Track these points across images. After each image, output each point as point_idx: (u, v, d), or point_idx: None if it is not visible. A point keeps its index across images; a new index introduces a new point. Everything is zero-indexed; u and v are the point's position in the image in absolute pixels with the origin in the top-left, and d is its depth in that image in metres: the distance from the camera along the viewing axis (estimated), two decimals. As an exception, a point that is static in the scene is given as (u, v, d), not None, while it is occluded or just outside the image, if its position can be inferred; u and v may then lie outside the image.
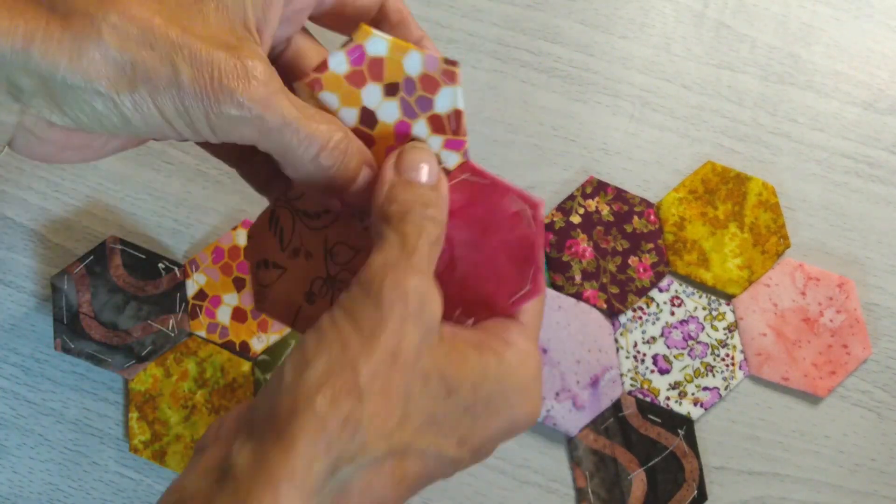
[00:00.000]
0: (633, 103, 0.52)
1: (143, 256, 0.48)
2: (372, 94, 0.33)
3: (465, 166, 0.35)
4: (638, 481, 0.47)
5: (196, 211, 0.51)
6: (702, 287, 0.49)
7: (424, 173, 0.31)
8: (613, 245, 0.49)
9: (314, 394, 0.26)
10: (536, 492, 0.47)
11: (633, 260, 0.49)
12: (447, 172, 0.34)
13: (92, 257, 0.48)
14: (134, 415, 0.47)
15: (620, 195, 0.50)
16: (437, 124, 0.34)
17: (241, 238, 0.49)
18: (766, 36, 0.54)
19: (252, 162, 0.36)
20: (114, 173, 0.51)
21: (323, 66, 0.31)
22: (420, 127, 0.34)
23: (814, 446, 0.48)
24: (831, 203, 0.51)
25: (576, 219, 0.50)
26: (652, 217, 0.50)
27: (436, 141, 0.34)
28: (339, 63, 0.32)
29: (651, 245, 0.49)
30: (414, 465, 0.28)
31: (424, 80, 0.32)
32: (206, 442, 0.29)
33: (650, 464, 0.47)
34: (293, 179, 0.32)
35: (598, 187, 0.50)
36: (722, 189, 0.50)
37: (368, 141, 0.33)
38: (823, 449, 0.48)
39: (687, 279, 0.50)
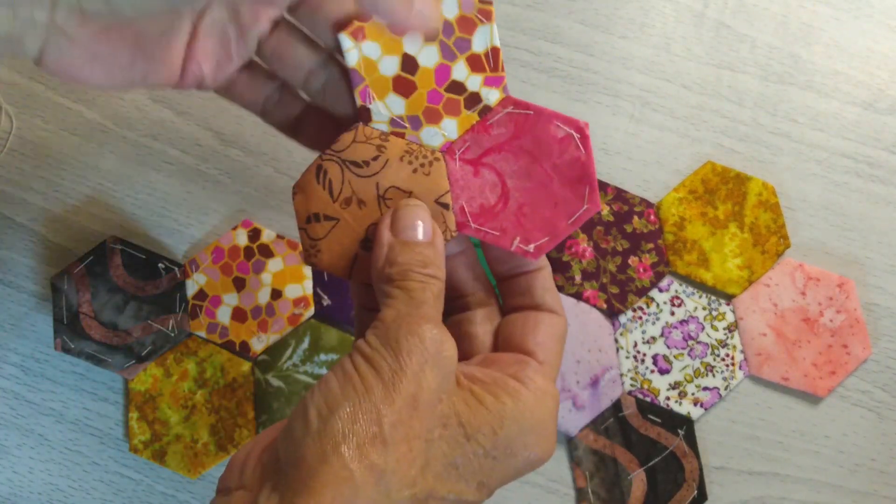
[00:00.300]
0: (633, 103, 0.52)
1: (143, 256, 0.48)
2: (412, 41, 0.35)
3: (507, 100, 0.36)
4: (638, 481, 0.47)
5: (196, 211, 0.51)
6: (702, 287, 0.49)
7: (420, 231, 0.32)
8: (613, 245, 0.49)
9: (340, 443, 0.26)
10: (536, 492, 0.47)
11: (633, 260, 0.49)
12: (488, 109, 0.36)
13: (92, 257, 0.48)
14: (134, 415, 0.47)
15: (620, 195, 0.50)
16: (475, 63, 0.36)
17: (242, 238, 0.49)
18: (766, 36, 0.54)
19: (282, 104, 0.37)
20: (114, 173, 0.51)
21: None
22: (459, 68, 0.36)
23: (814, 446, 0.48)
24: (831, 203, 0.51)
25: (576, 219, 0.50)
26: (652, 217, 0.50)
27: (475, 80, 0.36)
28: None
29: (651, 245, 0.49)
30: None
31: (461, 22, 0.35)
32: (230, 484, 0.29)
33: (650, 464, 0.47)
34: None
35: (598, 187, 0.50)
36: (722, 189, 0.50)
37: (410, 87, 0.35)
38: (823, 449, 0.48)
39: (687, 279, 0.49)
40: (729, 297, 0.49)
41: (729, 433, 0.48)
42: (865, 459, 0.48)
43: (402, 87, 0.35)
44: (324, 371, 0.47)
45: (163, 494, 0.47)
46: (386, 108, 0.35)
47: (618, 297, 0.49)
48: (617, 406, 0.48)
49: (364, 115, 0.35)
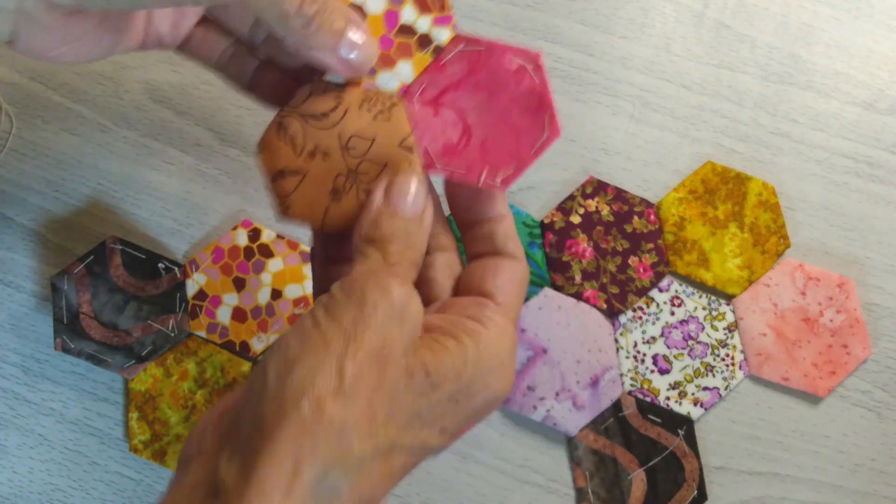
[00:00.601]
0: (633, 103, 0.52)
1: (143, 256, 0.48)
2: None
3: (458, 38, 0.37)
4: (638, 481, 0.47)
5: (196, 211, 0.51)
6: (702, 287, 0.49)
7: (410, 204, 0.32)
8: (613, 245, 0.49)
9: (299, 398, 0.26)
10: (536, 492, 0.47)
11: (633, 260, 0.49)
12: (440, 49, 0.37)
13: (92, 257, 0.48)
14: (134, 415, 0.47)
15: (620, 195, 0.50)
16: (422, 5, 0.37)
17: (241, 238, 0.49)
18: (766, 36, 0.54)
19: (241, 62, 0.38)
20: (114, 173, 0.51)
21: None
22: (408, 11, 0.37)
23: (814, 446, 0.48)
24: (831, 203, 0.51)
25: (576, 219, 0.50)
26: (652, 217, 0.50)
27: (425, 21, 0.37)
28: None
29: (651, 245, 0.49)
30: (399, 460, 0.28)
31: None
32: (190, 453, 0.28)
33: (650, 464, 0.47)
34: (289, 45, 0.33)
35: (598, 187, 0.50)
36: (722, 189, 0.50)
37: None
38: (823, 449, 0.48)
39: (687, 279, 0.49)
40: (729, 297, 0.49)
41: (729, 433, 0.48)
42: (865, 459, 0.48)
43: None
44: (324, 371, 0.47)
45: (163, 494, 0.47)
46: None
47: (618, 297, 0.49)
48: (617, 406, 0.48)
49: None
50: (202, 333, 0.48)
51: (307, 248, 0.49)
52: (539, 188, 0.51)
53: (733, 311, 0.49)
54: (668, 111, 0.52)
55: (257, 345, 0.47)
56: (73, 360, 0.48)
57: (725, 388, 0.48)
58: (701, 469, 0.47)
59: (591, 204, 0.50)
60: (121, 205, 0.51)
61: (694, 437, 0.47)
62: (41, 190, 0.51)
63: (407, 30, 0.37)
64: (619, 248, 0.49)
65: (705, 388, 0.48)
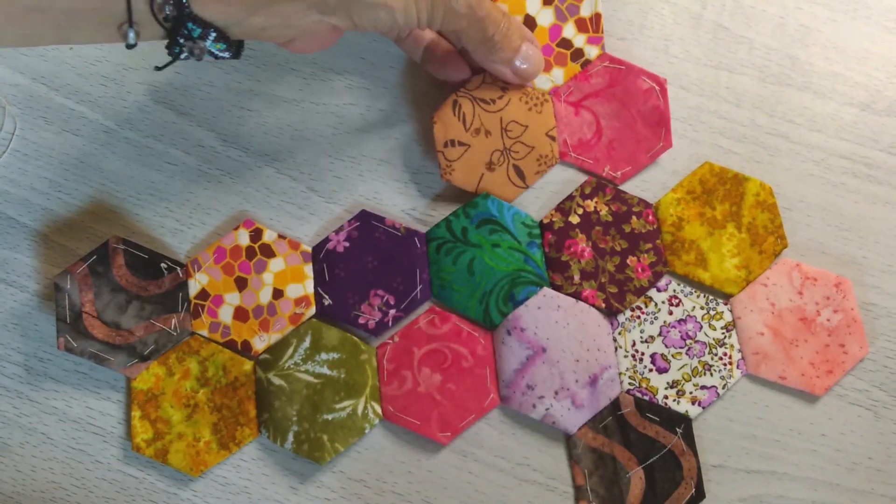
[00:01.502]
0: (631, 104, 0.53)
1: (146, 256, 0.49)
2: (533, 4, 0.49)
3: (604, 56, 0.49)
4: (636, 479, 0.47)
5: (198, 211, 0.51)
6: (700, 287, 0.50)
7: None
8: (612, 245, 0.50)
9: None
10: (536, 490, 0.47)
11: (631, 260, 0.49)
12: (588, 62, 0.49)
13: (95, 257, 0.48)
14: (136, 413, 0.47)
15: (619, 195, 0.50)
16: (581, 25, 0.49)
17: (243, 238, 0.49)
18: (764, 37, 0.54)
19: (435, 52, 0.48)
20: (116, 174, 0.51)
21: None
22: (569, 28, 0.48)
23: (811, 445, 0.48)
24: (828, 203, 0.52)
25: (574, 219, 0.50)
26: (650, 217, 0.50)
27: (581, 38, 0.49)
28: None
29: (649, 245, 0.50)
30: None
31: None
32: None
33: (648, 462, 0.47)
34: (475, 57, 0.45)
35: (596, 187, 0.50)
36: (720, 189, 0.50)
37: None
38: (821, 447, 0.48)
39: (685, 279, 0.50)
40: (727, 297, 0.50)
41: (727, 432, 0.48)
42: (862, 458, 0.48)
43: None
44: (325, 370, 0.47)
45: (165, 492, 0.47)
46: None
47: (616, 297, 0.49)
48: (615, 405, 0.48)
49: None
50: (204, 332, 0.48)
51: (308, 248, 0.49)
52: (538, 188, 0.51)
53: (731, 311, 0.49)
54: (666, 112, 0.53)
55: (259, 344, 0.48)
56: (76, 360, 0.49)
57: (723, 387, 0.48)
58: (699, 467, 0.47)
59: (590, 204, 0.50)
60: (123, 205, 0.51)
61: (692, 436, 0.47)
62: (44, 190, 0.51)
63: (566, 43, 0.48)
64: (618, 248, 0.50)
65: (703, 387, 0.48)
